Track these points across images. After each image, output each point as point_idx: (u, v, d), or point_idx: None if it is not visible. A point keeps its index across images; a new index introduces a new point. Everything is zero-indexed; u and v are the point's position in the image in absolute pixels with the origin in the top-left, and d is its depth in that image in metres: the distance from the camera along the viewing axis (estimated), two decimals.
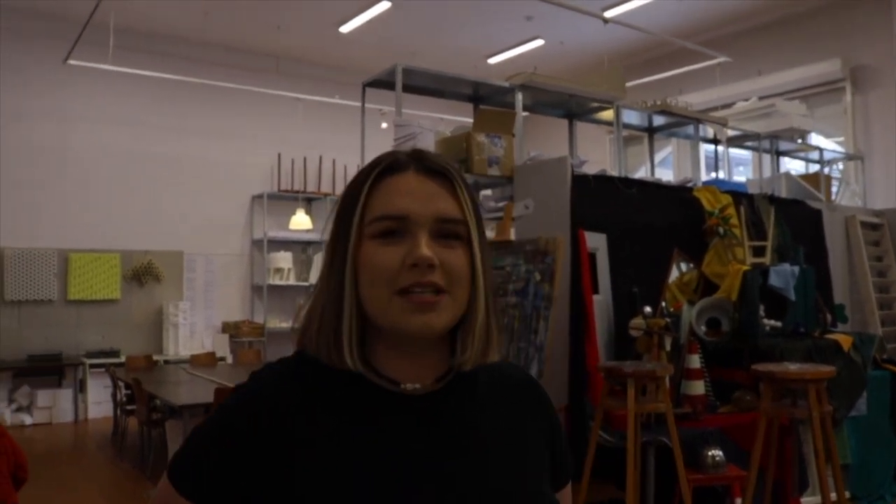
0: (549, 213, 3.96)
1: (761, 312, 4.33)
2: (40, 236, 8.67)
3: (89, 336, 8.86)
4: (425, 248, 0.87)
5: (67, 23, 7.88)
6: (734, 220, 4.61)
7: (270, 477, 0.86)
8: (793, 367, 3.35)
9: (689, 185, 5.10)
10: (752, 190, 5.48)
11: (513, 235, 4.09)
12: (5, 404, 8.18)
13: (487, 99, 4.98)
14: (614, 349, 4.03)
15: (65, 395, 8.41)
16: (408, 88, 4.51)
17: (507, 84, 4.68)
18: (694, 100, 7.29)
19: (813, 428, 3.12)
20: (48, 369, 8.46)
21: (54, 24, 8.44)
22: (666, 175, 8.50)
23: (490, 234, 5.41)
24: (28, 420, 8.17)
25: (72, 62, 7.92)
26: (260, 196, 10.02)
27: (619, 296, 4.11)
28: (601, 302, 4.03)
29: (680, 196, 4.67)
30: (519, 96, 4.61)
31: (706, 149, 6.70)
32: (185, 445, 0.92)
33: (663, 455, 3.50)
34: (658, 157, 9.29)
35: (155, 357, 8.26)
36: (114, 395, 7.07)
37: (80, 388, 8.52)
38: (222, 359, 8.85)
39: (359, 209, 0.90)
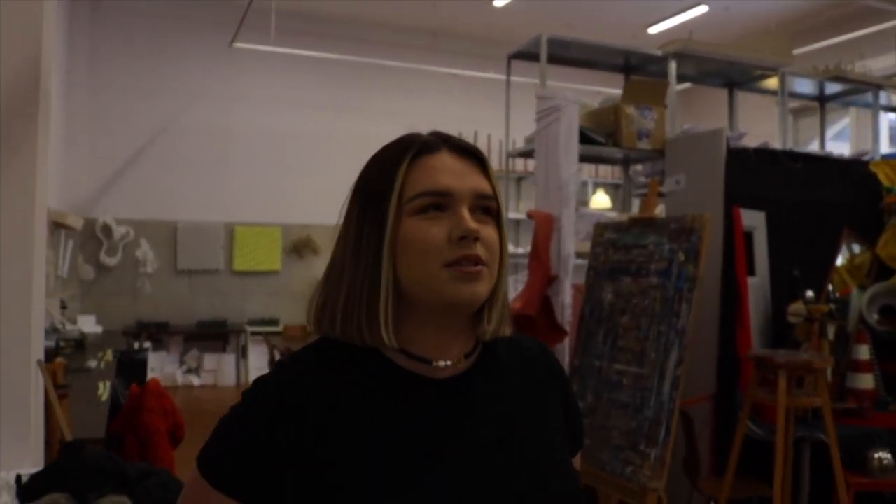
0: (702, 190, 3.72)
1: None
2: (209, 210, 9.24)
3: (252, 305, 9.38)
4: (472, 222, 0.90)
5: (232, 8, 8.25)
6: None
7: (307, 464, 0.85)
8: None
9: (866, 158, 4.64)
10: None
11: (663, 213, 3.87)
12: (177, 366, 8.82)
13: (640, 69, 4.73)
14: (771, 336, 3.75)
15: (228, 360, 8.97)
16: (556, 60, 4.36)
17: (659, 53, 4.41)
18: (878, 64, 6.61)
19: None
20: (214, 335, 9.06)
21: (220, 10, 8.88)
22: (842, 149, 7.80)
23: (636, 210, 5.18)
24: (196, 381, 8.78)
25: (237, 45, 8.31)
26: None
27: (778, 279, 3.81)
28: (757, 285, 3.75)
29: (854, 170, 4.26)
30: (672, 65, 4.34)
31: (890, 119, 6.07)
32: (214, 438, 0.90)
33: (824, 454, 3.21)
34: (834, 130, 8.56)
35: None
36: (270, 362, 7.42)
37: (242, 353, 9.04)
38: None
39: (397, 187, 0.91)
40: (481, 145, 10.41)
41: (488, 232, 0.92)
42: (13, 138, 2.76)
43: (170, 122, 9.14)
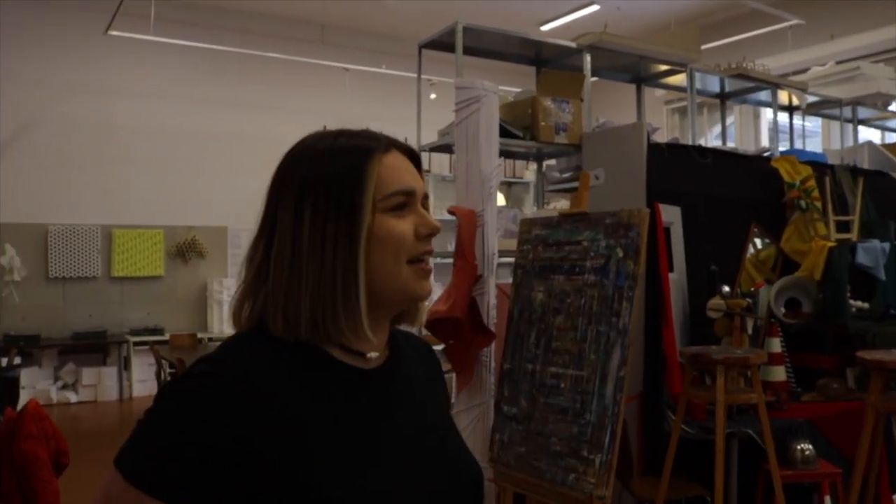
0: (621, 185, 3.66)
1: (848, 293, 4.00)
2: (83, 212, 8.59)
3: (133, 313, 8.78)
4: (434, 220, 0.96)
5: None
6: (816, 193, 4.26)
7: (256, 460, 0.82)
8: None
9: (767, 154, 4.73)
10: (832, 161, 5.07)
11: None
12: (51, 382, 8.13)
13: (550, 62, 4.64)
14: (689, 332, 3.73)
15: (109, 373, 8.35)
16: (465, 51, 4.21)
17: (574, 45, 4.33)
18: (771, 65, 6.82)
19: None
20: (93, 347, 8.41)
21: None
22: (729, 146, 8.06)
23: (557, 204, 5.11)
24: (73, 398, 8.12)
25: (112, 33, 7.73)
26: None
27: (694, 274, 3.80)
28: (676, 281, 3.73)
29: (757, 167, 4.33)
30: (587, 58, 4.27)
31: (771, 119, 6.27)
32: (145, 442, 0.84)
33: (745, 448, 3.20)
34: (718, 128, 8.84)
35: (199, 335, 8.13)
36: (157, 374, 6.94)
37: (125, 365, 8.45)
38: None
39: (371, 184, 0.91)
40: None
41: None
42: None
43: (38, 116, 8.41)
